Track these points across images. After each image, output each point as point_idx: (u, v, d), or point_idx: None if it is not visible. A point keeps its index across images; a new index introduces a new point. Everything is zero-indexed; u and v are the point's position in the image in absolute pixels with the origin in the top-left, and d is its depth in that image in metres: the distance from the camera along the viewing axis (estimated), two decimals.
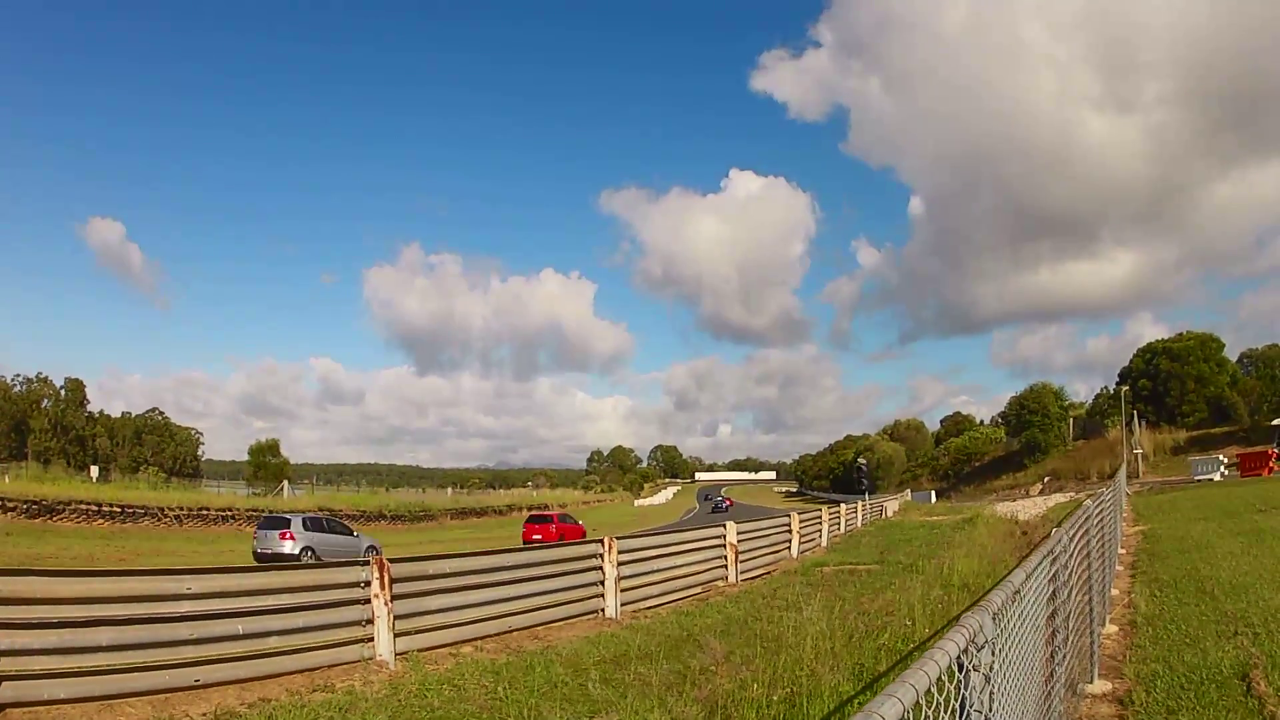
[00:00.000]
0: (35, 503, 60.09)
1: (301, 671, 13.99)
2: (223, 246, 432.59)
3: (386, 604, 14.97)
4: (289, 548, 43.61)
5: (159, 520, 66.05)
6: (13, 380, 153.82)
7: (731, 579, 26.11)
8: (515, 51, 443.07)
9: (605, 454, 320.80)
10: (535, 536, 60.15)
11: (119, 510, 64.31)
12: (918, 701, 2.98)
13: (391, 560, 15.38)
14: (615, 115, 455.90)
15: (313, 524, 46.70)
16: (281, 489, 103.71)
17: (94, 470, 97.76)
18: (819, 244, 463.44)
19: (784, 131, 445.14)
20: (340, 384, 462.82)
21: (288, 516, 47.17)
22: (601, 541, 20.71)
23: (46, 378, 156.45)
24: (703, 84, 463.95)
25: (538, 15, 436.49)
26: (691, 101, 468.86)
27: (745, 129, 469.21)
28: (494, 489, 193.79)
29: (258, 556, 43.28)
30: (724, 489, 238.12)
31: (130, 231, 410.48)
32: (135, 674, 12.26)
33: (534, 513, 74.73)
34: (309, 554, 43.83)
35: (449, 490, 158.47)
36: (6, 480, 74.41)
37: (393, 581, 15.16)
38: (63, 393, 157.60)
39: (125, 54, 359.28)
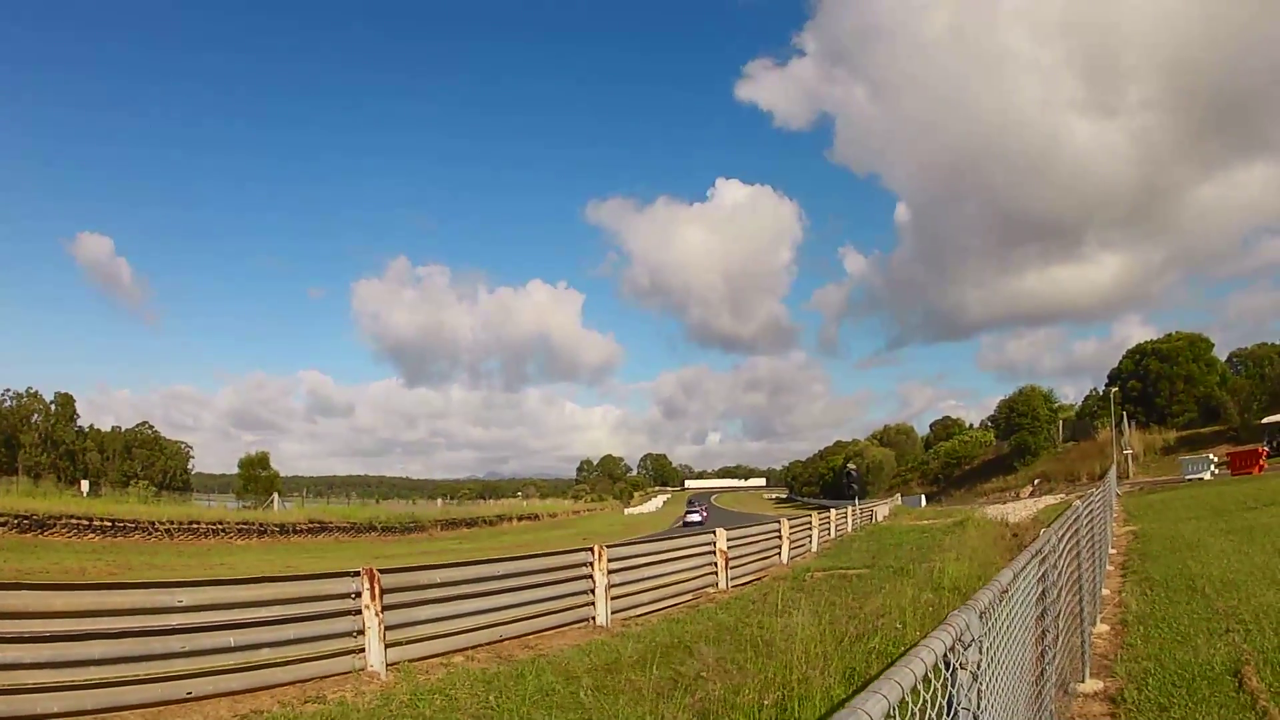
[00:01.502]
0: (26, 517, 59.59)
1: (293, 683, 13.96)
2: (211, 261, 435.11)
3: (377, 615, 14.95)
4: (699, 519, 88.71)
5: (150, 534, 65.72)
6: (2, 395, 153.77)
7: (722, 585, 26.09)
8: (500, 65, 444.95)
9: (595, 463, 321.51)
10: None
11: (110, 524, 63.98)
12: (903, 699, 3.00)
13: (382, 571, 15.35)
14: (601, 126, 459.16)
15: (708, 508, 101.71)
16: (272, 502, 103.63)
17: (84, 485, 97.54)
18: (806, 252, 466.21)
19: (770, 140, 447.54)
20: (329, 397, 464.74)
21: (698, 503, 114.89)
22: (591, 549, 20.59)
23: (36, 393, 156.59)
24: (688, 94, 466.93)
25: (521, 29, 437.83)
26: (677, 111, 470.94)
27: (731, 138, 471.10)
28: (484, 500, 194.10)
29: (685, 524, 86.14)
30: (714, 496, 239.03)
31: (119, 247, 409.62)
32: (128, 687, 12.23)
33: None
34: (707, 521, 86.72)
35: (439, 501, 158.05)
36: None
37: (383, 592, 15.13)
38: (53, 408, 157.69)
39: (113, 70, 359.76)
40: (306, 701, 13.37)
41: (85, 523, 62.62)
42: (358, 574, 15.08)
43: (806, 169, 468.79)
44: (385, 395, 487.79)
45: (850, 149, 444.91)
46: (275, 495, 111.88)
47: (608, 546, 21.17)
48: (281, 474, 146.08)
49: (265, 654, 13.81)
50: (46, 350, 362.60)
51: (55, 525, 60.44)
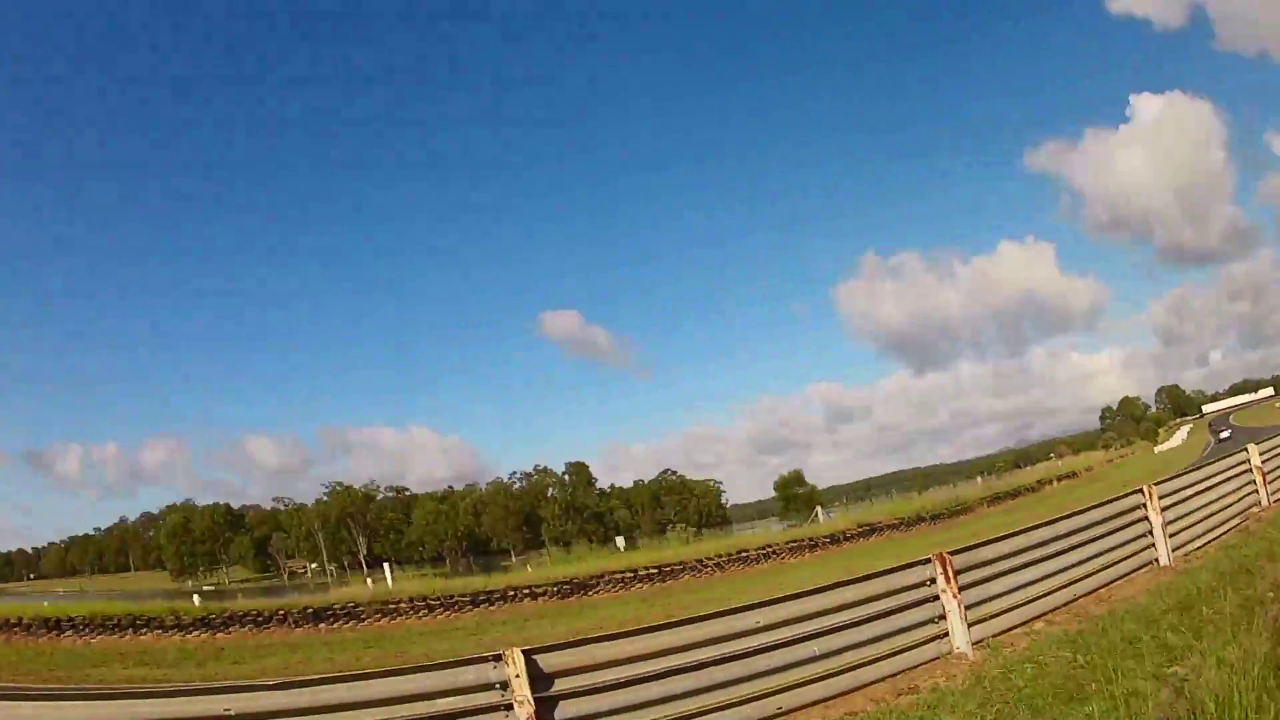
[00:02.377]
0: (565, 583, 62.89)
1: (881, 680, 14.27)
2: (680, 304, 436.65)
3: (955, 596, 15.17)
4: (1228, 434, 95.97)
5: (698, 572, 68.17)
6: (510, 478, 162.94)
7: (1265, 502, 24.90)
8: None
9: (1115, 408, 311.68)
10: None
11: (655, 571, 66.73)
12: None
13: (950, 553, 15.58)
14: (998, 78, 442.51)
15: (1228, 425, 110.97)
16: (815, 515, 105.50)
17: (620, 540, 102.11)
18: (1234, 148, 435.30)
19: (1159, 45, 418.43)
20: (843, 403, 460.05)
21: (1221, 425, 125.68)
22: (1141, 490, 20.14)
23: (545, 467, 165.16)
24: (1063, 18, 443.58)
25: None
26: (1067, 40, 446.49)
27: (1128, 54, 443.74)
28: (1020, 468, 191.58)
29: (1219, 442, 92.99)
30: (1230, 415, 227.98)
31: (587, 316, 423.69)
32: (716, 713, 12.74)
33: None
34: (1233, 439, 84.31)
35: (979, 479, 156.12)
36: (529, 569, 78.68)
37: (956, 573, 15.33)
38: (566, 478, 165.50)
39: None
40: (899, 694, 13.64)
41: (629, 575, 65.56)
42: (928, 561, 15.35)
43: (1199, 64, 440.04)
44: (898, 389, 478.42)
45: (1232, 34, 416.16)
46: (818, 508, 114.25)
47: (1155, 484, 20.70)
48: (818, 486, 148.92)
49: (848, 657, 14.16)
50: (550, 432, 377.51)
51: (597, 585, 63.43)
